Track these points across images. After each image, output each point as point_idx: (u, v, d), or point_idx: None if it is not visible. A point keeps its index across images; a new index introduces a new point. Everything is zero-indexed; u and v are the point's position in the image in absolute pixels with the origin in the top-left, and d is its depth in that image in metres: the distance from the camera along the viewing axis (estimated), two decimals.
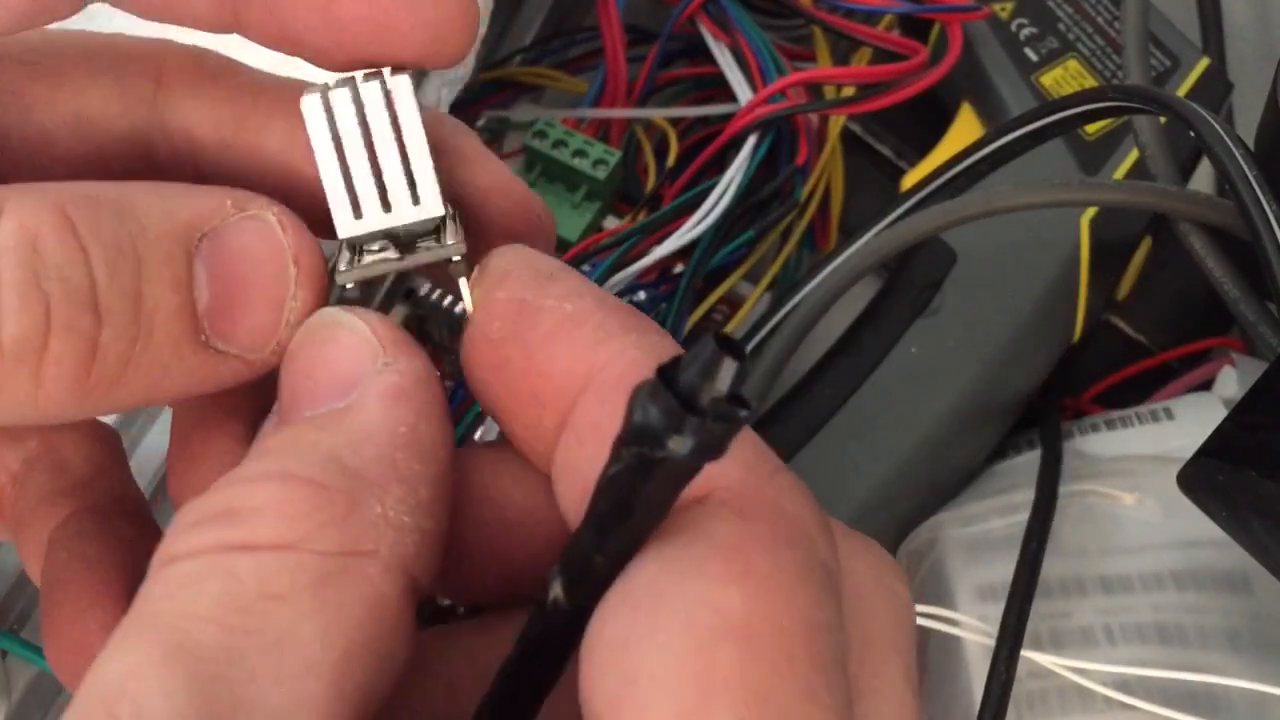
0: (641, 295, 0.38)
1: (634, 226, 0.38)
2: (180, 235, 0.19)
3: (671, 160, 0.40)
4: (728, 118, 0.40)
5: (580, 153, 0.39)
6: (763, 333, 0.37)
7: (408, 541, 0.17)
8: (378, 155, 0.20)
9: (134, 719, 0.15)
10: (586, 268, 0.38)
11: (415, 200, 0.20)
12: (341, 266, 0.20)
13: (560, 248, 0.39)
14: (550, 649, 0.17)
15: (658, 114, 0.41)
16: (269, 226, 0.20)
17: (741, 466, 0.17)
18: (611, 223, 0.40)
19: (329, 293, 0.20)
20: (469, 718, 0.18)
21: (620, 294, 0.37)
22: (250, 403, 0.22)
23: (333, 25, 0.20)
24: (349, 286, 0.20)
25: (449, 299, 0.22)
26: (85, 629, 0.22)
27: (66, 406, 0.18)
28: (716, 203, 0.38)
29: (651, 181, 0.40)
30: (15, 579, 0.36)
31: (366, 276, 0.20)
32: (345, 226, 0.20)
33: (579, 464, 0.18)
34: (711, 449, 0.14)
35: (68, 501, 0.24)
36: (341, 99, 0.20)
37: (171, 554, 0.17)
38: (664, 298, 0.38)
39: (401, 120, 0.20)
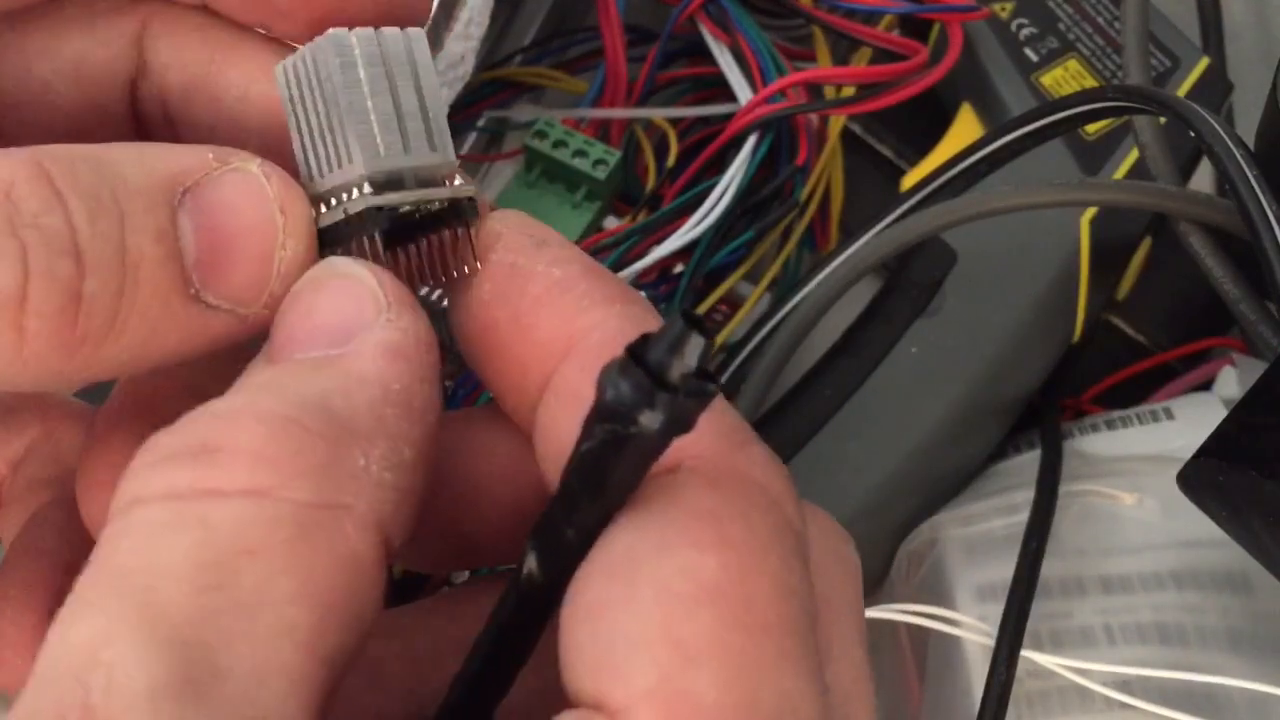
0: (642, 295, 0.38)
1: (634, 226, 0.38)
2: (161, 188, 0.19)
3: (671, 160, 0.40)
4: (728, 118, 0.40)
5: (580, 153, 0.39)
6: (763, 333, 0.37)
7: (386, 499, 0.17)
8: (400, 98, 0.20)
9: (108, 691, 0.14)
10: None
11: (432, 147, 0.20)
12: (353, 195, 0.20)
13: None
14: (524, 621, 0.17)
15: (658, 114, 0.41)
16: (253, 178, 0.19)
17: (712, 437, 0.17)
18: (611, 223, 0.40)
19: (317, 243, 0.20)
20: (440, 692, 0.18)
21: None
22: (148, 421, 0.21)
23: None
24: (376, 213, 0.20)
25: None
26: (11, 622, 0.22)
27: (53, 364, 0.18)
28: (716, 203, 0.38)
29: (651, 181, 0.40)
30: None
31: (387, 204, 0.20)
32: (368, 163, 0.20)
33: (558, 427, 0.19)
34: (681, 424, 0.15)
35: (52, 490, 0.23)
36: (365, 39, 0.20)
37: (137, 494, 0.16)
38: (664, 298, 0.38)
39: (420, 69, 0.20)
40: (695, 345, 0.14)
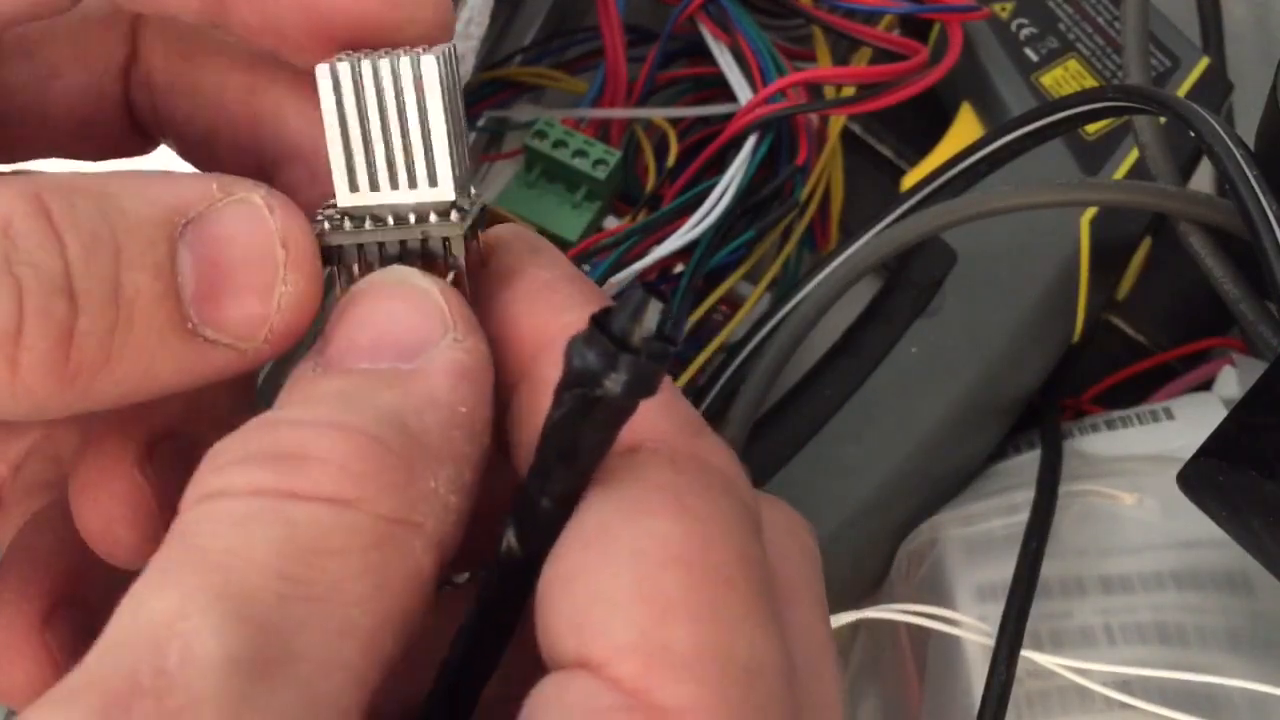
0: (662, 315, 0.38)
1: (634, 226, 0.38)
2: (161, 221, 0.19)
3: (671, 160, 0.40)
4: (728, 118, 0.40)
5: (580, 153, 0.39)
6: (763, 333, 0.37)
7: (449, 521, 0.18)
8: (401, 130, 0.20)
9: (184, 661, 0.15)
10: (586, 268, 0.38)
11: (432, 182, 0.20)
12: (325, 227, 0.20)
13: (560, 248, 0.39)
14: (507, 595, 0.18)
15: (658, 114, 0.41)
16: (255, 209, 0.19)
17: (670, 424, 0.18)
18: (611, 223, 0.40)
19: (316, 264, 0.20)
20: (425, 683, 0.19)
21: (620, 294, 0.37)
22: (144, 428, 0.22)
23: (312, 13, 0.20)
24: (340, 245, 0.20)
25: None
26: (5, 627, 0.22)
27: (47, 397, 0.18)
28: (716, 203, 0.38)
29: (651, 181, 0.40)
30: None
31: (361, 241, 0.20)
32: (349, 199, 0.20)
33: (532, 418, 0.19)
34: (645, 384, 0.16)
35: (51, 493, 0.24)
36: (368, 70, 0.20)
37: (215, 489, 0.17)
38: (664, 298, 0.38)
39: (428, 95, 0.20)
40: (654, 310, 0.16)
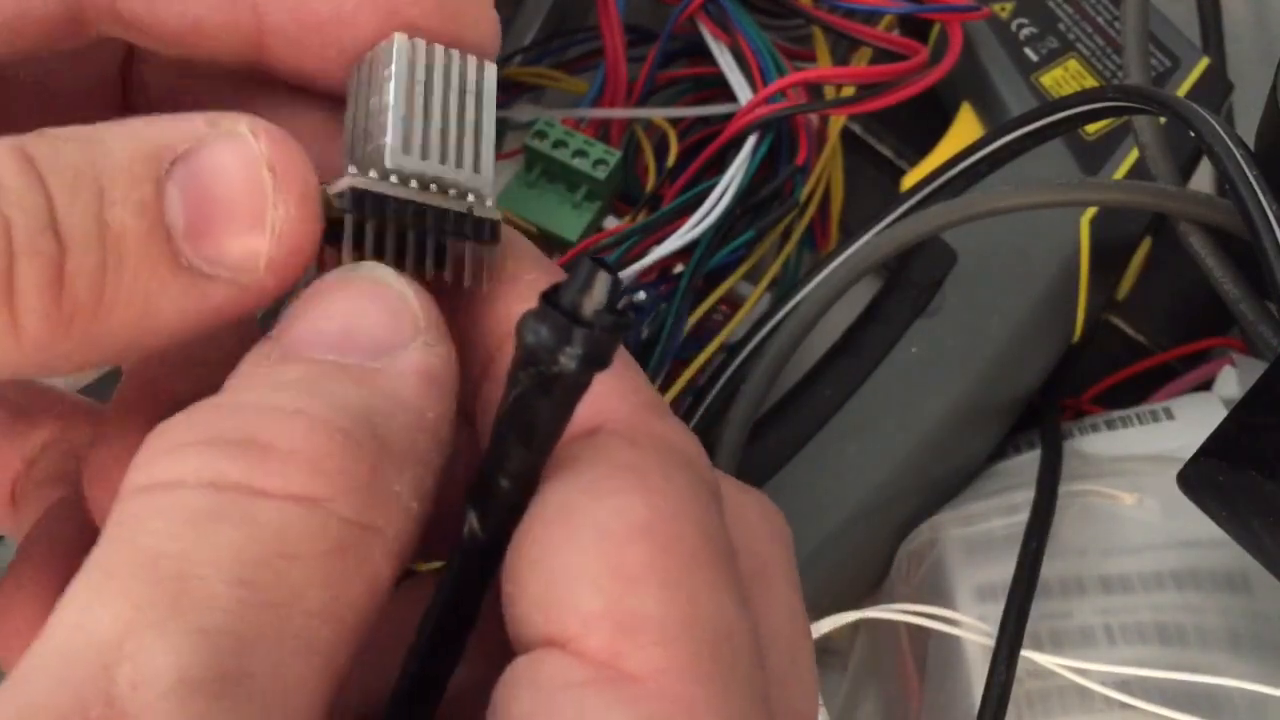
0: (641, 295, 0.38)
1: (634, 226, 0.38)
2: (146, 158, 0.18)
3: (671, 160, 0.40)
4: (728, 118, 0.40)
5: (580, 153, 0.39)
6: (763, 333, 0.37)
7: (408, 528, 0.17)
8: (461, 113, 0.20)
9: (135, 686, 0.14)
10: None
11: (459, 163, 0.20)
12: (392, 176, 0.20)
13: (560, 248, 0.39)
14: (470, 580, 0.18)
15: (658, 114, 0.41)
16: (241, 139, 0.19)
17: (629, 406, 0.18)
18: (611, 223, 0.40)
19: (320, 204, 0.19)
20: (383, 673, 0.19)
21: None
22: (157, 412, 0.21)
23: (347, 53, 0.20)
24: (400, 199, 0.20)
25: None
26: (22, 614, 0.22)
27: (48, 344, 0.17)
28: (716, 203, 0.38)
29: (651, 181, 0.40)
30: None
31: (382, 191, 0.20)
32: (397, 156, 0.20)
33: (494, 407, 0.19)
34: (598, 357, 0.16)
35: (65, 486, 0.23)
36: (433, 51, 0.20)
37: (165, 478, 0.16)
38: (664, 298, 0.38)
39: (484, 95, 0.20)
40: (603, 283, 0.16)
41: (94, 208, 0.18)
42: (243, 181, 0.19)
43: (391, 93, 0.20)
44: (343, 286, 0.19)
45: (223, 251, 0.19)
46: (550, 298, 0.16)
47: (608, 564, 0.16)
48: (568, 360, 0.15)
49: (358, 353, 0.18)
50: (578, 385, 0.16)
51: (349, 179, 0.19)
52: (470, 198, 0.20)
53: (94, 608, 0.14)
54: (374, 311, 0.18)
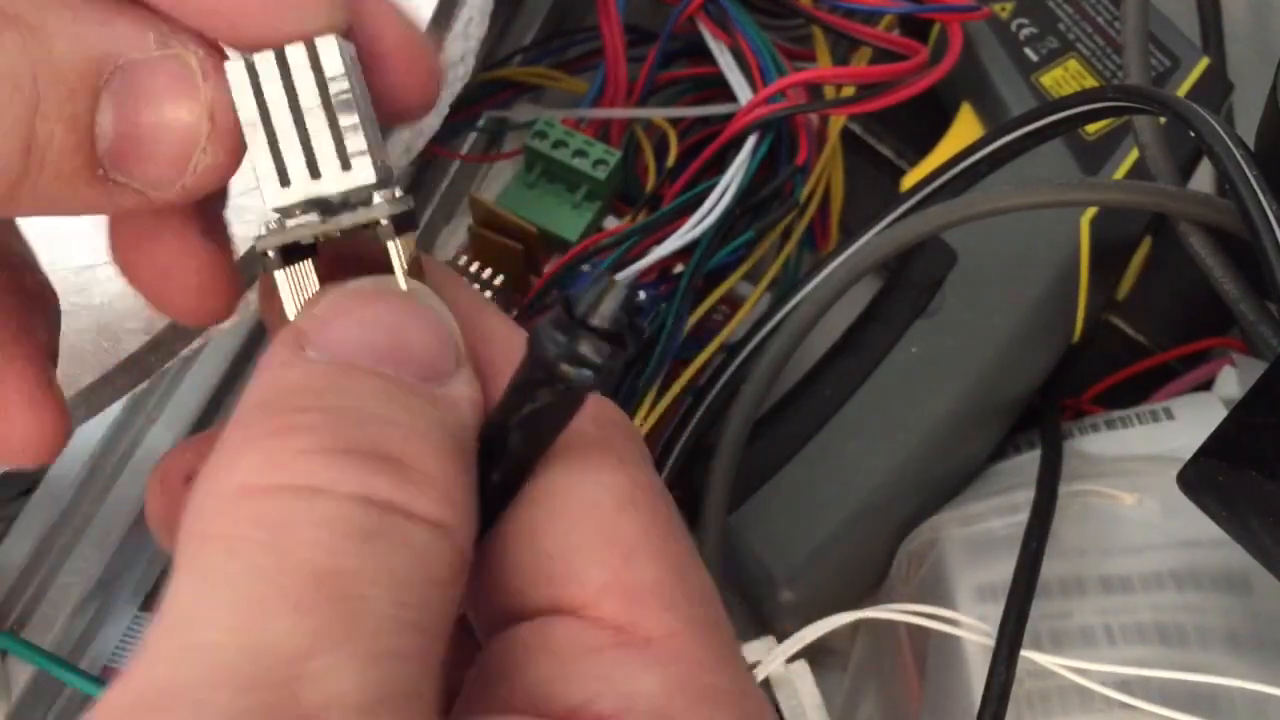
0: (641, 295, 0.38)
1: (634, 226, 0.38)
2: (86, 70, 0.18)
3: (671, 160, 0.40)
4: (728, 118, 0.40)
5: (580, 153, 0.39)
6: (763, 333, 0.37)
7: (470, 548, 0.17)
8: (305, 121, 0.19)
9: (324, 704, 0.14)
10: (586, 268, 0.38)
11: (345, 166, 0.19)
12: (262, 232, 0.19)
13: (560, 248, 0.39)
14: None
15: (658, 114, 0.41)
16: (187, 71, 0.18)
17: None
18: (611, 223, 0.40)
19: (240, 155, 0.19)
20: None
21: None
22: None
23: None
24: (269, 254, 0.19)
25: None
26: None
27: None
28: (716, 203, 0.38)
29: (651, 181, 0.40)
30: (15, 579, 0.36)
31: (286, 241, 0.19)
32: (273, 196, 0.19)
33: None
34: (612, 369, 0.16)
35: None
36: (265, 64, 0.19)
37: (305, 482, 0.15)
38: (664, 298, 0.38)
39: (330, 84, 0.19)
40: (616, 295, 0.16)
41: (26, 119, 0.17)
42: (179, 120, 0.18)
43: (248, 132, 0.19)
44: (383, 297, 0.18)
45: (141, 174, 0.19)
46: (565, 307, 0.16)
47: (604, 536, 0.17)
48: (581, 371, 0.16)
49: (411, 371, 0.18)
50: (586, 393, 0.17)
51: (257, 238, 0.19)
52: (365, 201, 0.19)
53: (264, 622, 0.14)
54: (423, 331, 0.18)
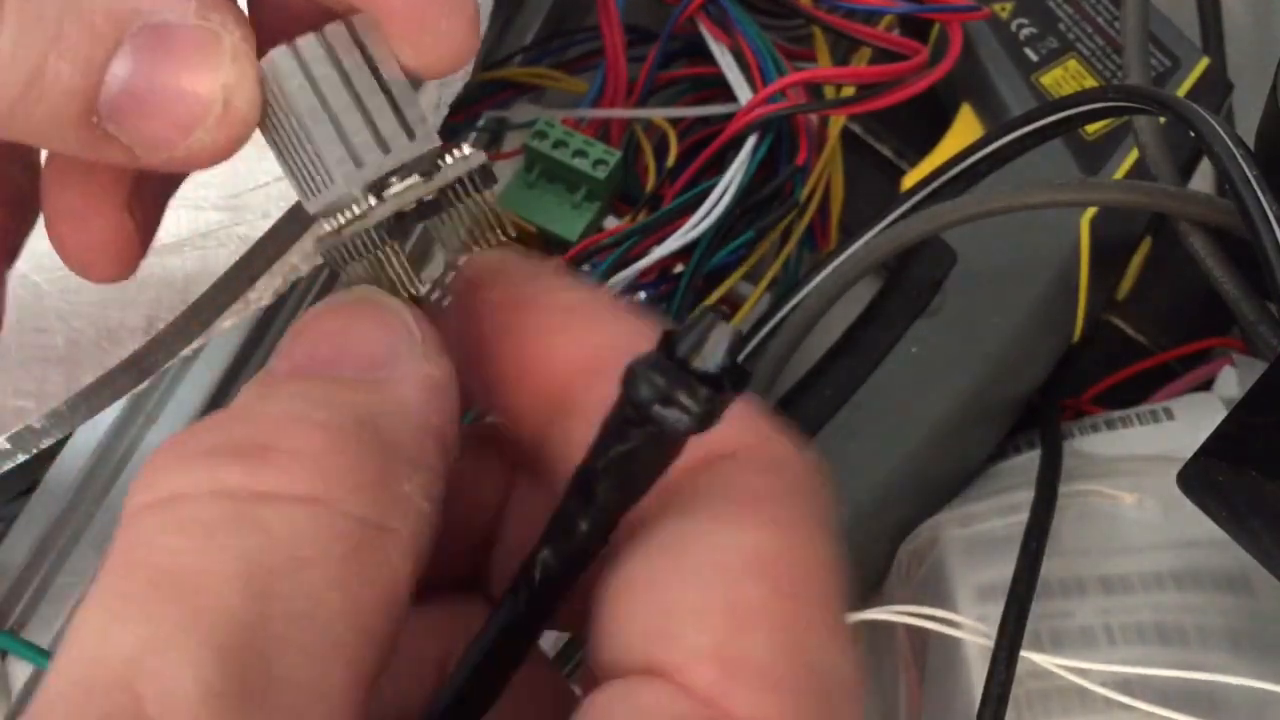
0: (642, 295, 0.38)
1: (634, 226, 0.38)
2: (118, 17, 0.18)
3: (671, 160, 0.40)
4: (728, 118, 0.40)
5: (580, 153, 0.39)
6: (763, 333, 0.37)
7: (423, 530, 0.17)
8: (363, 98, 0.19)
9: (162, 702, 0.13)
10: (586, 268, 0.38)
11: (410, 136, 0.19)
12: (361, 209, 0.19)
13: (560, 248, 0.39)
14: (535, 616, 0.17)
15: (658, 114, 0.41)
16: (219, 48, 0.18)
17: (739, 424, 0.17)
18: (611, 223, 0.40)
19: (246, 135, 0.19)
20: (403, 704, 0.19)
21: (620, 294, 0.37)
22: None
23: None
24: (373, 233, 0.19)
25: None
26: None
27: None
28: (716, 203, 0.38)
29: (651, 181, 0.40)
30: (15, 579, 0.36)
31: (390, 213, 0.19)
32: (348, 179, 0.19)
33: (579, 443, 0.18)
34: (713, 416, 0.15)
35: None
36: (311, 48, 0.19)
37: (168, 491, 0.15)
38: (664, 298, 0.38)
39: (377, 58, 0.19)
40: (724, 336, 0.15)
41: (39, 48, 0.17)
42: (192, 93, 0.18)
43: (306, 119, 0.19)
44: (334, 312, 0.19)
45: (137, 133, 0.18)
46: (666, 346, 0.15)
47: (721, 600, 0.16)
48: (681, 417, 0.15)
49: (354, 368, 0.18)
50: (684, 440, 0.15)
51: (317, 239, 0.19)
52: (434, 164, 0.19)
53: (111, 628, 0.14)
54: (368, 330, 0.18)
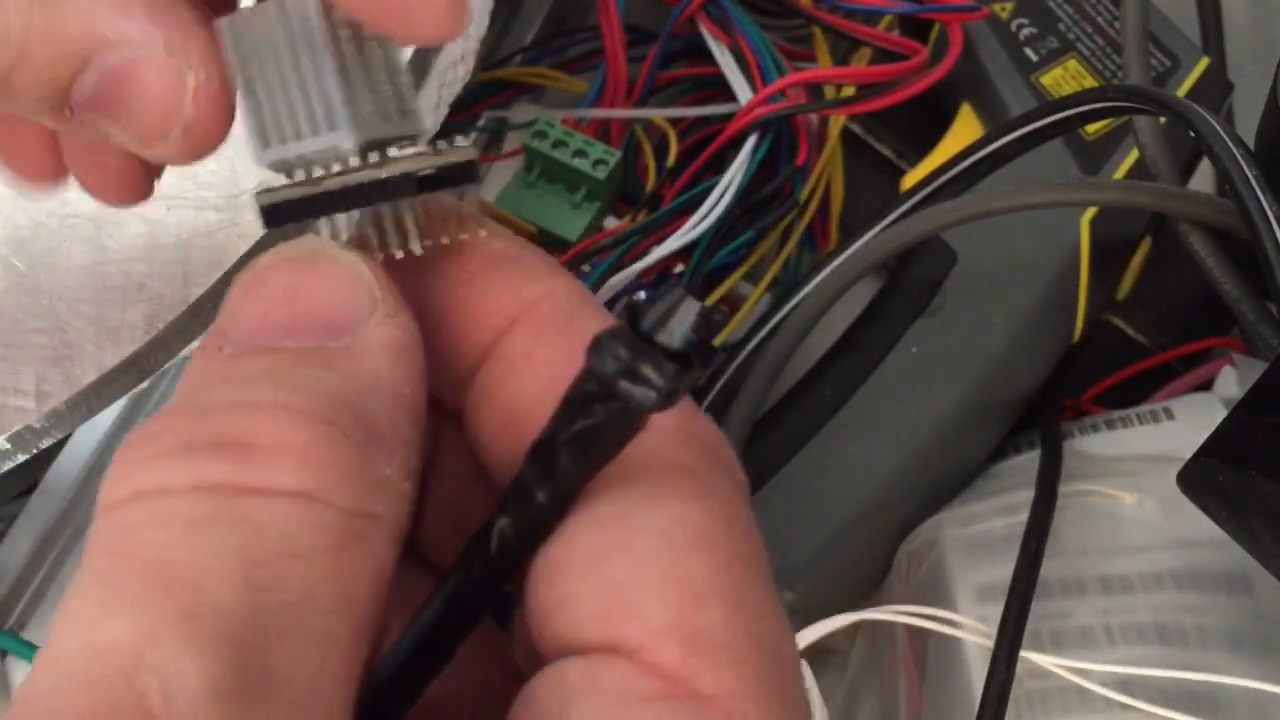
0: (641, 295, 0.38)
1: (634, 226, 0.38)
2: (83, 45, 0.19)
3: (671, 160, 0.40)
4: (728, 118, 0.40)
5: (580, 153, 0.39)
6: (763, 333, 0.37)
7: (404, 511, 0.17)
8: (371, 64, 0.19)
9: (166, 693, 0.13)
10: (586, 268, 0.38)
11: (404, 114, 0.19)
12: (353, 164, 0.18)
13: (560, 248, 0.39)
14: (487, 587, 0.17)
15: (658, 114, 0.41)
16: (181, 87, 0.19)
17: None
18: (611, 223, 0.40)
19: (212, 149, 0.20)
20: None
21: (620, 294, 0.37)
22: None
23: None
24: (365, 183, 0.18)
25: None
26: None
27: None
28: (716, 203, 0.38)
29: (651, 181, 0.40)
30: (15, 579, 0.36)
31: (390, 175, 0.18)
32: (358, 130, 0.18)
33: (503, 394, 0.18)
34: (679, 394, 0.15)
35: None
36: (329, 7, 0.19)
37: (150, 486, 0.15)
38: None
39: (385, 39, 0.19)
40: (691, 312, 0.15)
41: (3, 67, 0.19)
42: (156, 109, 0.19)
43: (321, 58, 0.18)
44: (285, 267, 0.18)
45: (104, 129, 0.20)
46: (631, 319, 0.14)
47: (673, 574, 0.16)
48: (648, 394, 0.14)
49: (315, 334, 0.17)
50: (645, 415, 0.15)
51: (257, 195, 0.18)
52: (417, 149, 0.19)
53: (105, 621, 0.14)
54: (325, 288, 0.17)
